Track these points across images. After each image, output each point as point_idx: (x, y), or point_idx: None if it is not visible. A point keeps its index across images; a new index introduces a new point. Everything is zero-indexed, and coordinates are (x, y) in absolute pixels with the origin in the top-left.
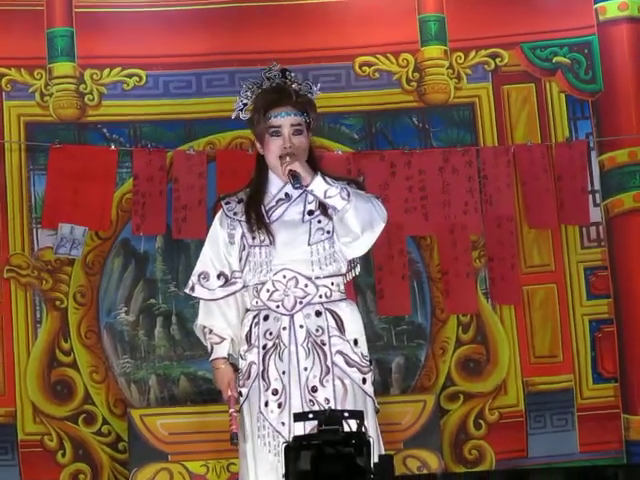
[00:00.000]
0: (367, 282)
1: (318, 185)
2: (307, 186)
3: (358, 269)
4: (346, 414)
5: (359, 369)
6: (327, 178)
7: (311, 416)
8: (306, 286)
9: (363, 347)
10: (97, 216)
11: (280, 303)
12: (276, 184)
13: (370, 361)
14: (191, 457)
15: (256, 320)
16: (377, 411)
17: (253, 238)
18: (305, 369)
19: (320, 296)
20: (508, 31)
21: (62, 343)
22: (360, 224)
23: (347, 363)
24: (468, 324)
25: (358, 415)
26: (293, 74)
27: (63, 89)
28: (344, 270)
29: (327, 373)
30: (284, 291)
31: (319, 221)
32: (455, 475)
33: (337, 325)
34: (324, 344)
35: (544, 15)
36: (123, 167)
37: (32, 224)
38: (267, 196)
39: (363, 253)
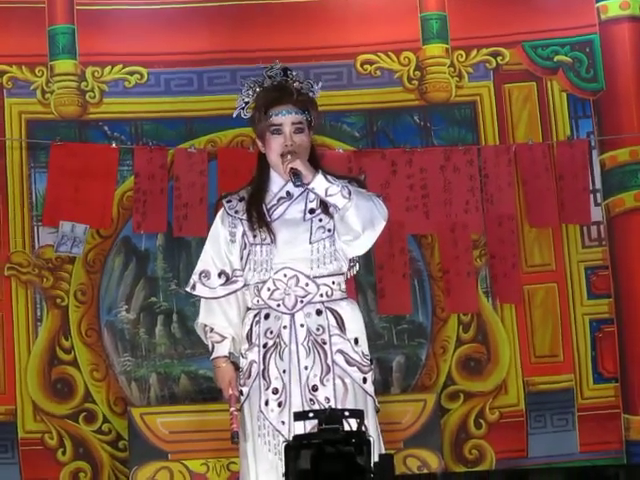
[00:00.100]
0: (368, 281)
1: (319, 183)
2: (308, 184)
3: (357, 267)
4: (346, 413)
5: (359, 368)
6: (328, 176)
7: (311, 415)
8: (307, 285)
9: (364, 346)
10: (98, 214)
11: (281, 302)
12: (277, 182)
13: (371, 360)
14: (191, 456)
15: (257, 319)
16: (377, 410)
17: (254, 236)
18: (305, 368)
19: (321, 295)
20: (509, 30)
21: (63, 341)
22: (361, 222)
23: (348, 362)
24: (469, 323)
25: (358, 414)
26: (295, 72)
27: (64, 86)
28: (345, 269)
29: (327, 372)
30: (285, 290)
31: (320, 219)
32: (455, 475)
33: (338, 324)
34: (325, 343)
35: (545, 14)
36: (124, 165)
37: (33, 222)
38: (268, 194)
39: (364, 252)
